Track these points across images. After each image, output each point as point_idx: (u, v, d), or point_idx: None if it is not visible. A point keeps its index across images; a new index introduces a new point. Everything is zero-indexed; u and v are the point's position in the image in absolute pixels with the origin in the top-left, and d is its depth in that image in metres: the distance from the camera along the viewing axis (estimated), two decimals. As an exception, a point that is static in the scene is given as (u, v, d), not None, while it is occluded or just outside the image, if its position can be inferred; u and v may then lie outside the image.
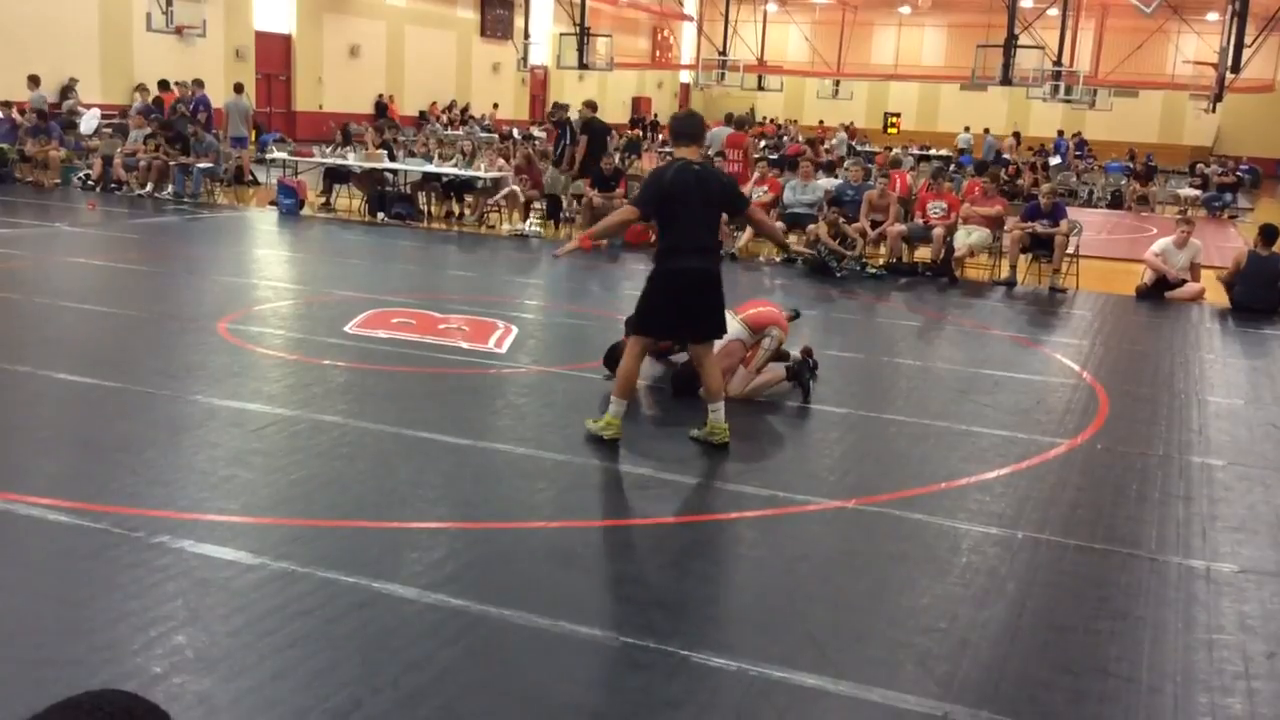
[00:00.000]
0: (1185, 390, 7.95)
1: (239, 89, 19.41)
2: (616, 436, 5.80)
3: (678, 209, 5.66)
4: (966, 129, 32.72)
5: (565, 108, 16.18)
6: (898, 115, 43.24)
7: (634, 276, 12.08)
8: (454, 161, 16.19)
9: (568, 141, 15.60)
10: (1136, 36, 34.50)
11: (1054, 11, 31.57)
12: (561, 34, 32.90)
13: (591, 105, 15.79)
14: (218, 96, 20.15)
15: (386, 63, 33.15)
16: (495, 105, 35.94)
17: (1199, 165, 27.28)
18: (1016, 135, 30.98)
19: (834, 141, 29.59)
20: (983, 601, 4.21)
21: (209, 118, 18.23)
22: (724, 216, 6.88)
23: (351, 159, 16.17)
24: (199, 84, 19.04)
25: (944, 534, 4.90)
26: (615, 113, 41.94)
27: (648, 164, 22.93)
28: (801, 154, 19.67)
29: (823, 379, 7.08)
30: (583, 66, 31.67)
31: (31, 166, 17.62)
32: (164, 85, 19.89)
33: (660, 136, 32.89)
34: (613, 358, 6.74)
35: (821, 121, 39.68)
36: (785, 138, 30.56)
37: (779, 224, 13.31)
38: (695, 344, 5.97)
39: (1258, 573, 4.67)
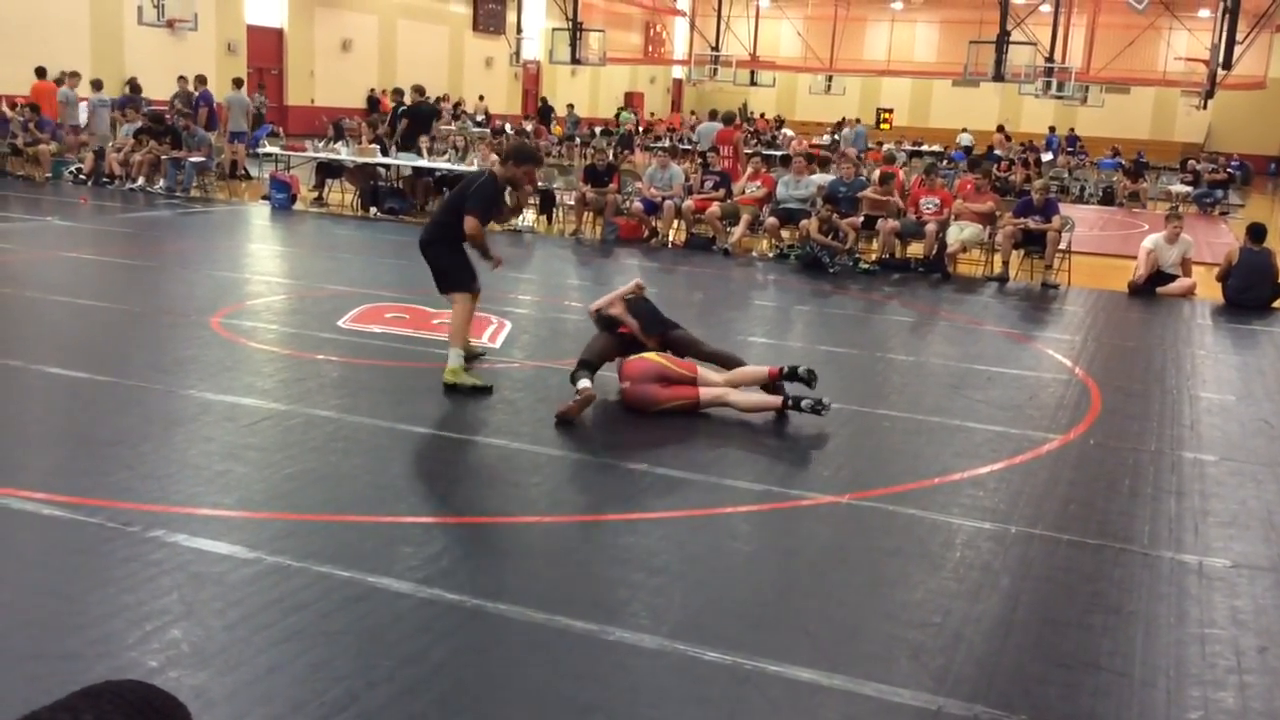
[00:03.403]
0: (1177, 386, 7.98)
1: (239, 84, 19.47)
2: (477, 383, 6.60)
3: None
4: (850, 120, 33.44)
5: (402, 92, 18.20)
6: (890, 111, 43.32)
7: (627, 272, 12.08)
8: (447, 157, 16.17)
9: (394, 121, 17.26)
10: (1128, 33, 34.55)
11: (1046, 8, 31.62)
12: (554, 29, 32.85)
13: (419, 90, 17.44)
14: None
15: (379, 57, 33.07)
16: (481, 97, 35.80)
17: (1190, 161, 27.30)
18: (1002, 129, 31.02)
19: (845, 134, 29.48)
20: (976, 596, 4.23)
21: (210, 113, 18.19)
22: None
23: (344, 153, 16.15)
24: (202, 80, 19.02)
25: (937, 529, 4.91)
26: (608, 108, 41.95)
27: (640, 159, 22.94)
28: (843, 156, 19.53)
29: (816, 374, 7.07)
30: (575, 61, 31.62)
31: (23, 161, 17.57)
32: (40, 73, 19.47)
33: (654, 131, 32.90)
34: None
35: (763, 114, 39.64)
36: (779, 136, 30.49)
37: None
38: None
39: (1249, 567, 4.69)
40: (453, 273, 6.72)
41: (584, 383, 6.22)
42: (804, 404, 6.27)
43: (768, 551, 4.64)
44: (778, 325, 10.09)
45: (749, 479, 5.47)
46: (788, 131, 34.19)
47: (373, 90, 32.17)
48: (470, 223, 6.55)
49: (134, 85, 20.36)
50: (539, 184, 15.50)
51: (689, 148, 23.22)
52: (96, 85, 19.71)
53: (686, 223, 14.06)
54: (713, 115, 20.65)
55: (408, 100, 17.42)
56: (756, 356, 8.08)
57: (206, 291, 9.52)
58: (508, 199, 6.98)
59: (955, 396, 7.29)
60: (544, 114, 34.51)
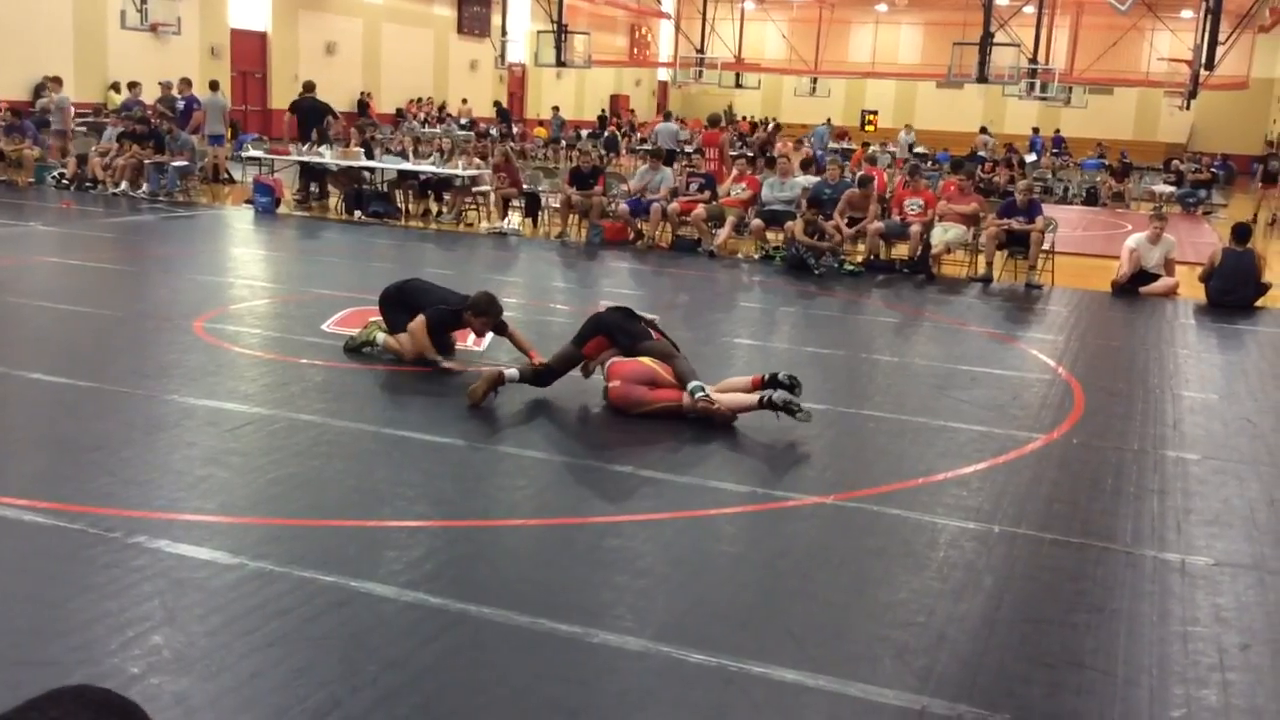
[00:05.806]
0: (1160, 385, 8.01)
1: (215, 86, 19.40)
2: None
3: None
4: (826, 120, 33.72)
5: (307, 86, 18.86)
6: (875, 113, 43.38)
7: (613, 274, 12.08)
8: (431, 159, 16.15)
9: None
10: (1111, 34, 34.68)
11: (1030, 9, 31.72)
12: (539, 31, 32.81)
13: (308, 86, 18.39)
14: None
15: (363, 60, 32.99)
16: (464, 100, 35.76)
17: (1174, 162, 27.43)
18: (984, 130, 31.09)
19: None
20: (960, 595, 4.23)
21: (203, 117, 18.15)
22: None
23: (327, 156, 16.10)
24: (187, 83, 18.96)
25: (921, 529, 4.92)
26: (593, 110, 41.94)
27: (627, 163, 22.94)
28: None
29: (801, 376, 7.08)
30: (560, 64, 31.60)
31: (5, 165, 17.48)
32: None
33: (639, 134, 32.90)
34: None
35: (747, 116, 39.71)
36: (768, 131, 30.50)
37: (757, 221, 13.37)
38: None
39: (1232, 565, 4.71)
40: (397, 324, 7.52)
41: (510, 371, 6.58)
42: (776, 398, 6.19)
43: (752, 553, 4.64)
44: (763, 327, 10.10)
45: (734, 480, 5.47)
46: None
47: (362, 94, 32.13)
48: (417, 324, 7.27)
49: (124, 88, 20.31)
50: (523, 186, 15.54)
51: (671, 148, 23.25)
52: None
53: (672, 225, 14.07)
54: (666, 116, 20.86)
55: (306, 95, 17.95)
56: (743, 357, 8.11)
57: (189, 296, 9.48)
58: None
59: (939, 397, 7.31)
60: (502, 116, 34.10)
